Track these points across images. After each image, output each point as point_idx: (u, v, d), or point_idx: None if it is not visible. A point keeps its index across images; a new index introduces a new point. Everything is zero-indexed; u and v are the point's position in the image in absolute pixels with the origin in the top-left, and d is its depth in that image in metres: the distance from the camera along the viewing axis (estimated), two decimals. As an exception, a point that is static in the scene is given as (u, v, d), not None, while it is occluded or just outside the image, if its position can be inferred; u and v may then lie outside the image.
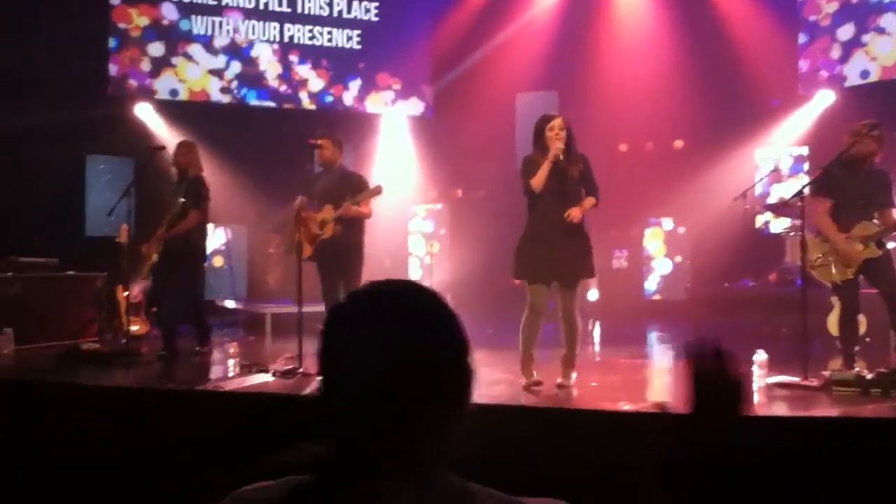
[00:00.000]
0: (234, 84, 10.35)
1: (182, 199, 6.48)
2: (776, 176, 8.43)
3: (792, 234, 7.95)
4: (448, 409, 1.08)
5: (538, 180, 5.02)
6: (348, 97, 10.85)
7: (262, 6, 10.48)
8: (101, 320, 7.46)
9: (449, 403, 1.08)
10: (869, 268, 5.39)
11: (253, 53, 10.43)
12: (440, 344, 1.08)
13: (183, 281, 6.52)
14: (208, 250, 7.10)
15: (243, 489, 1.13)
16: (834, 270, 5.43)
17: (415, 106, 11.11)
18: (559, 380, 5.10)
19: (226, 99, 10.31)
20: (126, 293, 6.90)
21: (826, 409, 4.47)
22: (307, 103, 10.65)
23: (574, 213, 5.02)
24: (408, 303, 1.10)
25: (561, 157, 5.02)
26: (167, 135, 9.32)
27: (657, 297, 10.10)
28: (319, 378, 1.11)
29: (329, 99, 10.75)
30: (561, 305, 5.12)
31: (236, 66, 10.35)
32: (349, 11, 10.88)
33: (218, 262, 9.54)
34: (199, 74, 10.20)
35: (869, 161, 5.43)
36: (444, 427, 1.08)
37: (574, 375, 5.16)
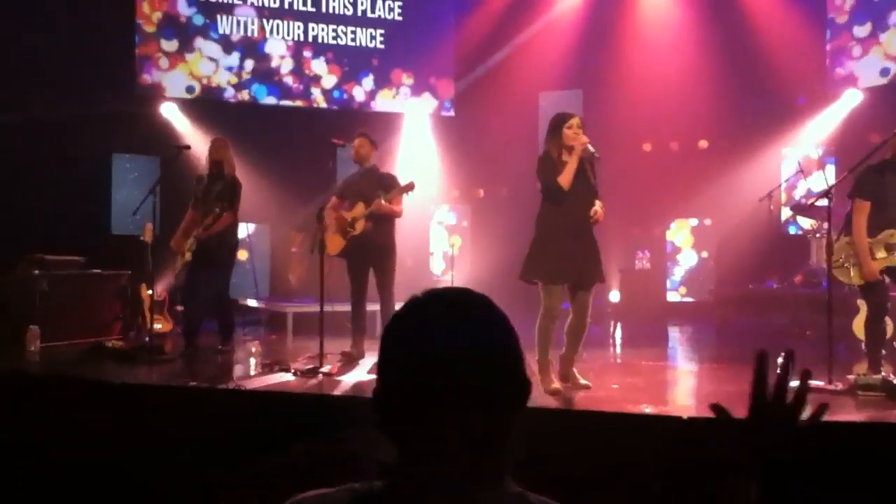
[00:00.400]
0: (247, 79, 10.36)
1: (216, 199, 6.57)
2: (801, 174, 8.32)
3: (817, 235, 7.85)
4: (507, 415, 1.09)
5: (567, 178, 4.92)
6: (360, 93, 10.83)
7: (286, 5, 10.53)
8: (125, 318, 7.54)
9: (507, 409, 1.09)
10: (890, 274, 5.31)
11: (266, 49, 10.46)
12: (497, 350, 1.10)
13: (214, 276, 6.61)
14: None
15: (303, 495, 1.14)
16: (852, 273, 5.36)
17: (428, 102, 11.07)
18: (582, 381, 5.04)
19: (241, 95, 10.34)
20: (150, 291, 6.97)
21: (851, 414, 4.41)
22: (319, 100, 10.64)
23: (600, 213, 4.95)
24: (465, 308, 1.12)
25: (592, 150, 4.97)
26: (192, 134, 9.40)
27: (682, 289, 10.04)
28: (376, 382, 1.13)
29: (340, 95, 10.73)
30: (577, 306, 5.03)
31: (249, 63, 10.36)
32: (373, 10, 10.90)
33: (242, 255, 9.50)
34: (211, 69, 10.23)
35: None
36: (504, 433, 1.09)
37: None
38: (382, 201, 6.16)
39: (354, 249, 6.31)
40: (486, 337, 1.10)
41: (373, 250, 6.29)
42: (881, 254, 5.27)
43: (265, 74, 10.45)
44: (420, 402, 1.06)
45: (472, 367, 1.06)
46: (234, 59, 10.31)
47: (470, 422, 1.06)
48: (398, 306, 1.17)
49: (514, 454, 1.11)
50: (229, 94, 10.30)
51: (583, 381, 5.05)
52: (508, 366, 1.10)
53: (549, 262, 4.97)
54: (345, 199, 6.44)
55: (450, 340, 1.07)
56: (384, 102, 10.91)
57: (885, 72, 9.20)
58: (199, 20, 10.18)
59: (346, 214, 6.35)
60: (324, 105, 10.65)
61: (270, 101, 10.46)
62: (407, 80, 10.99)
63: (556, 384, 4.97)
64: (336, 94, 10.74)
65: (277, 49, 10.50)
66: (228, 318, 6.81)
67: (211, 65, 10.22)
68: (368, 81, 10.86)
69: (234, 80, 10.33)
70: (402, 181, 6.37)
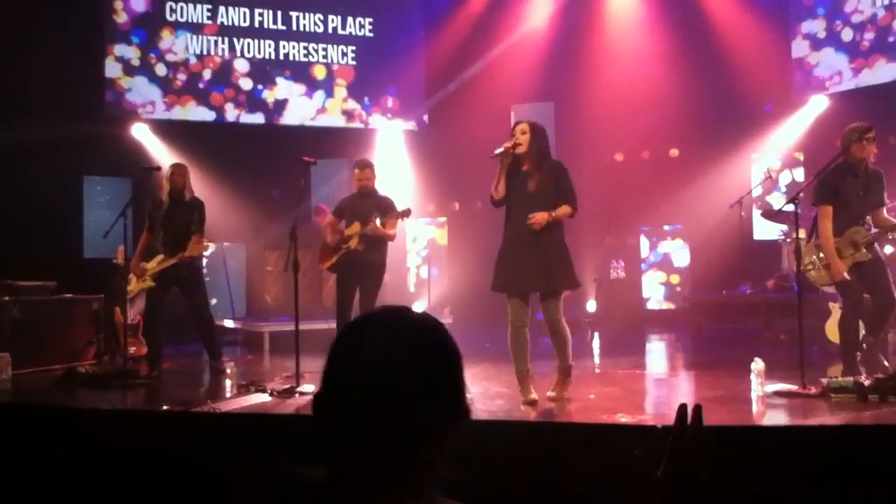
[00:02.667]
0: (217, 98, 10.30)
1: (186, 224, 6.63)
2: (770, 182, 8.45)
3: (788, 240, 7.95)
4: (434, 427, 1.12)
5: (494, 187, 5.05)
6: (333, 110, 10.77)
7: (256, 24, 10.51)
8: (98, 342, 7.45)
9: (434, 422, 1.12)
10: (859, 271, 5.41)
11: (237, 68, 10.40)
12: (434, 365, 1.14)
13: (193, 299, 6.73)
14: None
15: None
16: (823, 273, 5.50)
17: (401, 117, 11.08)
18: (550, 392, 5.01)
19: (211, 115, 10.30)
20: (123, 314, 6.91)
21: (824, 417, 4.45)
22: (289, 117, 10.58)
23: (536, 218, 4.85)
24: (402, 325, 1.16)
25: (501, 150, 4.98)
26: (163, 155, 9.34)
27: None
28: (315, 395, 1.17)
29: (310, 112, 10.68)
30: (544, 316, 5.01)
31: (219, 82, 10.33)
32: (343, 28, 10.91)
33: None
34: (179, 90, 10.16)
35: (866, 163, 5.47)
36: (431, 446, 1.12)
37: (568, 386, 5.08)
38: (377, 223, 6.33)
39: (345, 265, 6.48)
40: (416, 350, 1.13)
41: (364, 268, 6.44)
42: (848, 251, 5.40)
43: (235, 93, 10.41)
44: (347, 411, 1.10)
45: (397, 378, 1.10)
46: (203, 77, 10.27)
47: (396, 432, 1.09)
48: None
49: (448, 469, 1.14)
50: (200, 115, 10.25)
51: (550, 392, 5.01)
52: (437, 379, 1.13)
53: (503, 273, 5.00)
54: (342, 218, 6.63)
55: (379, 351, 1.12)
56: (358, 118, 10.91)
57: (848, 77, 9.37)
58: (167, 39, 10.13)
59: (344, 231, 6.53)
60: (294, 123, 10.61)
61: (244, 120, 10.42)
62: (379, 95, 11.01)
63: (533, 395, 4.94)
64: (306, 111, 10.72)
65: (247, 68, 10.47)
66: (216, 336, 6.95)
67: (186, 84, 10.18)
68: (339, 98, 10.85)
69: (204, 100, 10.28)
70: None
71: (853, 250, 5.39)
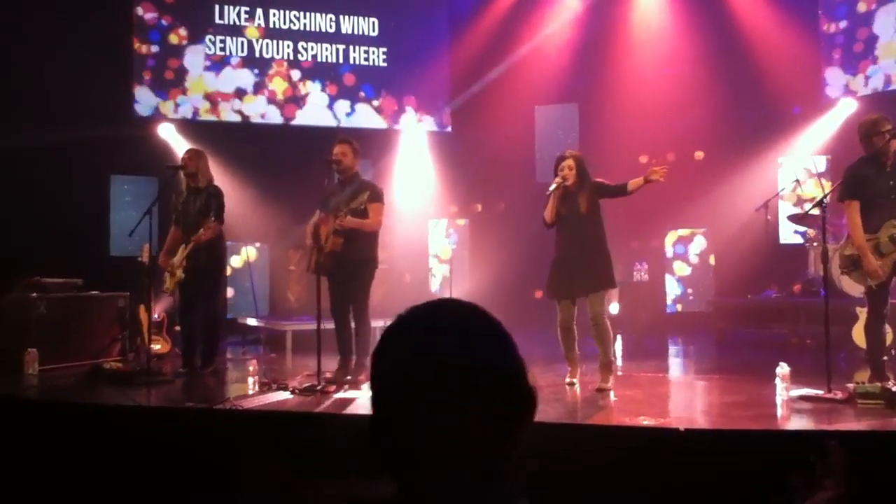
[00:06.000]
0: (245, 98, 10.41)
1: (199, 214, 6.51)
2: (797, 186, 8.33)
3: (815, 244, 7.85)
4: (508, 428, 1.03)
5: (547, 214, 5.68)
6: (358, 111, 10.84)
7: (283, 25, 10.58)
8: (124, 339, 7.52)
9: (506, 422, 1.03)
10: None
11: (263, 67, 10.50)
12: (485, 360, 1.04)
13: (208, 295, 6.57)
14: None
15: None
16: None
17: (425, 118, 11.10)
18: (599, 385, 5.50)
19: (235, 115, 10.38)
20: (148, 312, 6.97)
21: (851, 423, 4.39)
22: (316, 118, 10.63)
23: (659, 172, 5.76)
24: (462, 320, 1.08)
25: (554, 187, 5.61)
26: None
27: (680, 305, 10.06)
28: (371, 400, 1.08)
29: (340, 112, 10.77)
30: (589, 310, 5.57)
31: (246, 82, 10.45)
32: (368, 30, 10.94)
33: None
34: (212, 89, 10.28)
35: (892, 154, 5.31)
36: (508, 449, 1.03)
37: (611, 379, 5.55)
38: (349, 217, 5.82)
39: (331, 267, 5.99)
40: (473, 347, 1.04)
41: (347, 266, 5.95)
42: (888, 248, 5.16)
43: (261, 94, 10.49)
44: (412, 424, 1.01)
45: (461, 378, 1.00)
46: (236, 78, 10.36)
47: (469, 437, 1.00)
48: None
49: (523, 472, 1.06)
50: (227, 115, 10.34)
51: (599, 385, 5.50)
52: (501, 376, 1.04)
53: (551, 281, 5.73)
54: (328, 213, 6.10)
55: (434, 354, 1.02)
56: (381, 120, 10.94)
57: (878, 81, 9.23)
58: (197, 40, 10.24)
59: (322, 230, 6.01)
60: (321, 123, 10.66)
61: (272, 121, 10.49)
62: (403, 96, 11.03)
63: (569, 378, 5.65)
64: (334, 111, 10.77)
65: (274, 67, 10.55)
66: (214, 338, 6.69)
67: (212, 85, 10.29)
68: (366, 99, 10.89)
69: (232, 100, 10.37)
70: (394, 196, 6.27)
71: (893, 246, 5.15)
